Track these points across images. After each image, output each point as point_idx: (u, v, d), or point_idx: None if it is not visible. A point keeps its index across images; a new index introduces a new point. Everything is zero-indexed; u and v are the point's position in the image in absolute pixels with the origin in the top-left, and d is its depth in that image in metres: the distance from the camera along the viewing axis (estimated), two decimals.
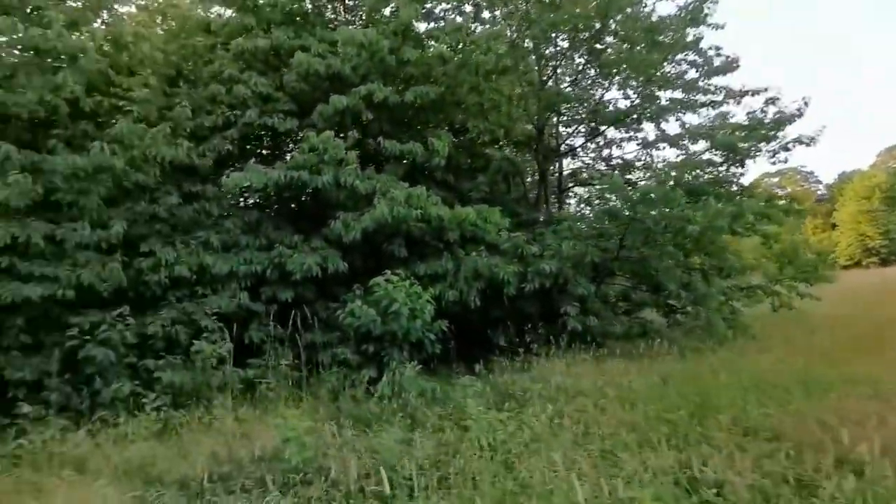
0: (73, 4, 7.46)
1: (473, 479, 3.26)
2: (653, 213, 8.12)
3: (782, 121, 9.92)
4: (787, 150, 9.81)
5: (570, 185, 14.89)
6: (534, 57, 12.11)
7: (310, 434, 4.17)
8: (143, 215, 7.92)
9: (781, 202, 9.33)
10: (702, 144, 11.56)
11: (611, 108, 12.95)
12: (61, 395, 6.25)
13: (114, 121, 7.41)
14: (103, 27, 8.43)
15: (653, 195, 7.35)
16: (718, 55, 11.16)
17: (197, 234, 8.24)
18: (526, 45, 12.32)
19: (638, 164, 13.86)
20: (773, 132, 9.78)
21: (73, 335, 6.19)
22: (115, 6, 9.17)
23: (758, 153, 9.68)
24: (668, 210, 7.65)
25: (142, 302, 7.58)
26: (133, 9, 11.04)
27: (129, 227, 7.38)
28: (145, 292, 7.54)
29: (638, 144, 13.40)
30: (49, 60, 6.05)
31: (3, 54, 6.25)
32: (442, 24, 11.59)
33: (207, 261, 7.88)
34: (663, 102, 11.51)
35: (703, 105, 11.22)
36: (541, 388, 5.55)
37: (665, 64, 11.05)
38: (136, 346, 6.97)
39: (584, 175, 14.87)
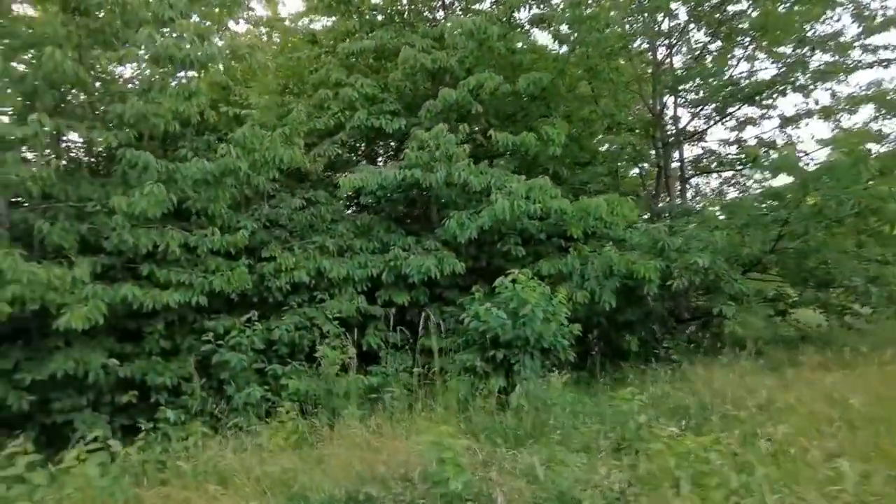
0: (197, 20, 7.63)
1: None
2: (821, 192, 6.75)
3: None
4: None
5: (691, 173, 13.40)
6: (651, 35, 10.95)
7: (465, 454, 3.59)
8: (261, 221, 7.98)
9: None
10: (865, 113, 9.76)
11: (743, 82, 11.41)
12: (198, 400, 6.29)
13: (233, 132, 7.56)
14: (221, 42, 8.67)
15: (835, 171, 6.02)
16: (884, 7, 9.37)
17: (313, 238, 8.17)
18: (639, 20, 11.23)
19: (778, 143, 12.13)
20: None
21: (207, 340, 6.21)
22: (230, 23, 9.55)
23: None
24: (849, 188, 6.27)
25: (264, 307, 7.59)
26: (243, 26, 11.57)
27: (251, 234, 7.42)
28: (268, 297, 7.54)
29: (779, 119, 11.69)
30: (181, 72, 6.16)
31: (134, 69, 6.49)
32: (546, 9, 10.85)
33: (325, 265, 7.74)
34: (815, 66, 9.85)
35: (870, 65, 9.43)
36: (720, 403, 4.59)
37: (818, 22, 9.45)
38: (261, 352, 6.93)
39: (705, 162, 13.35)
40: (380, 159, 12.35)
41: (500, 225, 8.23)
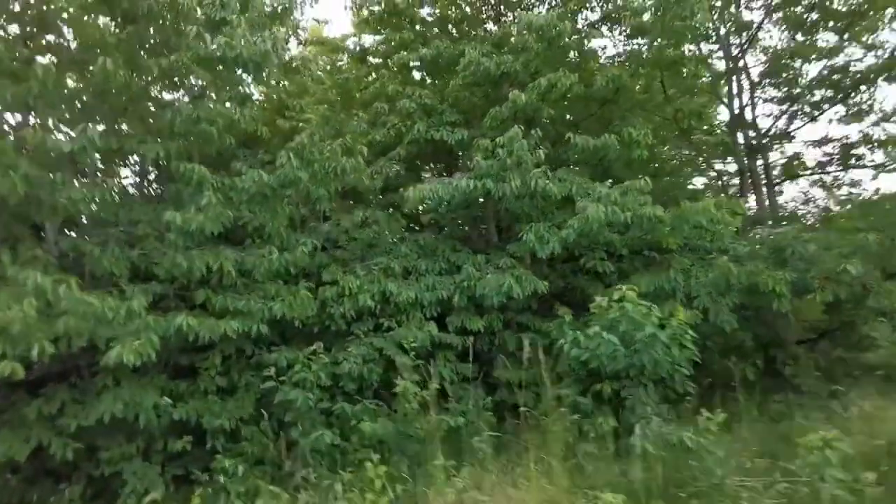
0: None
1: None
2: None
3: None
4: None
5: (778, 179, 12.11)
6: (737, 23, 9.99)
7: None
8: (320, 241, 7.29)
9: None
10: None
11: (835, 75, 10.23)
12: (258, 446, 5.50)
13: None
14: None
15: None
16: None
17: (376, 259, 7.40)
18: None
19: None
20: None
21: (268, 376, 5.43)
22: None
23: None
24: None
25: (325, 337, 6.81)
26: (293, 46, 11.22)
27: (310, 256, 6.72)
28: (330, 326, 6.76)
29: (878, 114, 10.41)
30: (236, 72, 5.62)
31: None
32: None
33: (391, 288, 6.94)
34: None
35: None
36: None
37: None
38: (326, 389, 6.10)
39: (794, 164, 12.05)
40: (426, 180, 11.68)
41: (582, 238, 7.29)
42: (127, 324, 4.48)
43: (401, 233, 8.54)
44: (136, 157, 7.41)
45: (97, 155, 4.96)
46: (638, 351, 5.20)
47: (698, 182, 13.23)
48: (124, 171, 7.94)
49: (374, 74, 10.65)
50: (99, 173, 5.51)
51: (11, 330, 3.69)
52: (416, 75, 10.60)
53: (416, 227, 10.23)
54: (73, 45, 5.98)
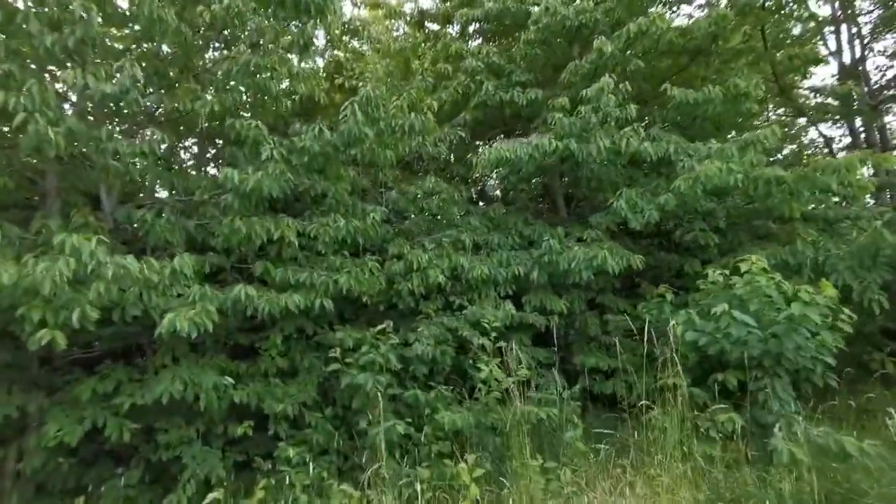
0: None
1: None
2: None
3: None
4: None
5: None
6: None
7: None
8: (387, 210, 6.67)
9: None
10: None
11: None
12: (323, 434, 4.96)
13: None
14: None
15: None
16: None
17: (446, 232, 6.69)
18: None
19: None
20: None
21: (334, 357, 4.85)
22: None
23: None
24: None
25: (391, 316, 6.20)
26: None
27: (379, 225, 6.08)
28: (398, 304, 6.14)
29: None
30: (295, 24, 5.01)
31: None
32: None
33: (462, 263, 6.23)
34: None
35: None
36: None
37: None
38: (395, 373, 5.49)
39: None
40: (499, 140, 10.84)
41: (679, 207, 6.31)
42: (175, 288, 3.99)
43: (465, 206, 7.81)
44: (191, 138, 7.07)
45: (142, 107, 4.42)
46: (776, 335, 4.26)
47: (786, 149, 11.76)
48: (183, 155, 7.62)
49: (432, 41, 9.92)
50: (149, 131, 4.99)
51: (44, 291, 3.24)
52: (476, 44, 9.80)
53: (480, 202, 9.50)
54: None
